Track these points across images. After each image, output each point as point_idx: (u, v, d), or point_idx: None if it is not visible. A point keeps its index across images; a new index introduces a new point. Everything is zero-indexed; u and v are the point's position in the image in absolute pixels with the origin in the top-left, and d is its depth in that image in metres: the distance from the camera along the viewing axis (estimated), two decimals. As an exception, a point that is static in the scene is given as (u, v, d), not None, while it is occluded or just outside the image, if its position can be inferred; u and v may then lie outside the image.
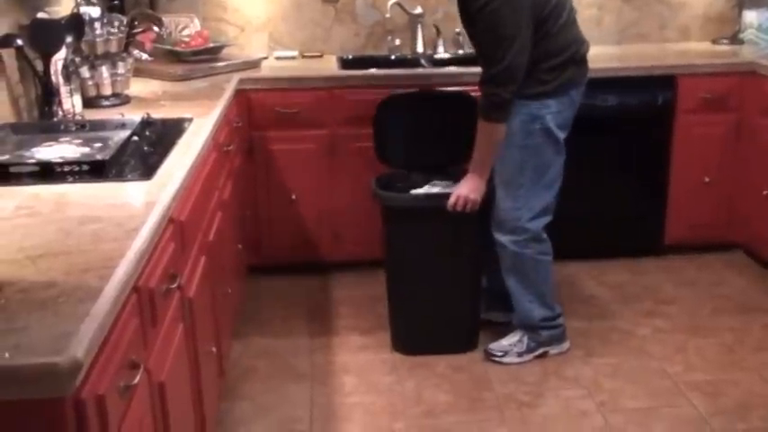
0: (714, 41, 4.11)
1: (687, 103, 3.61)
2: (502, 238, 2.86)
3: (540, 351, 2.99)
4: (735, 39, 4.05)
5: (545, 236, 2.89)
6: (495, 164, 2.81)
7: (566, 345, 3.04)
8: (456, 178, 2.94)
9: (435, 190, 2.96)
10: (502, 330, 3.06)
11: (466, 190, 2.80)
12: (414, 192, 2.96)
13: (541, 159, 2.78)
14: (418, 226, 2.90)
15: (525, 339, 2.97)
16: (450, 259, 2.93)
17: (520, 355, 2.96)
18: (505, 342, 2.99)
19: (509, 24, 2.57)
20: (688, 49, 4.03)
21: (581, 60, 2.81)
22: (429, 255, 2.92)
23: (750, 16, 4.04)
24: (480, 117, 2.72)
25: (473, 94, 3.06)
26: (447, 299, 2.97)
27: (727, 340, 3.12)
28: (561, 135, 2.79)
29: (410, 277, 2.97)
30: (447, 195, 2.85)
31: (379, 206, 2.96)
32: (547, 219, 2.87)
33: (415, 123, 3.09)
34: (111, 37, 2.94)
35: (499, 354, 2.96)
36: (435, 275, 2.94)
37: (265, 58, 3.77)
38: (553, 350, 3.01)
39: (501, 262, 2.92)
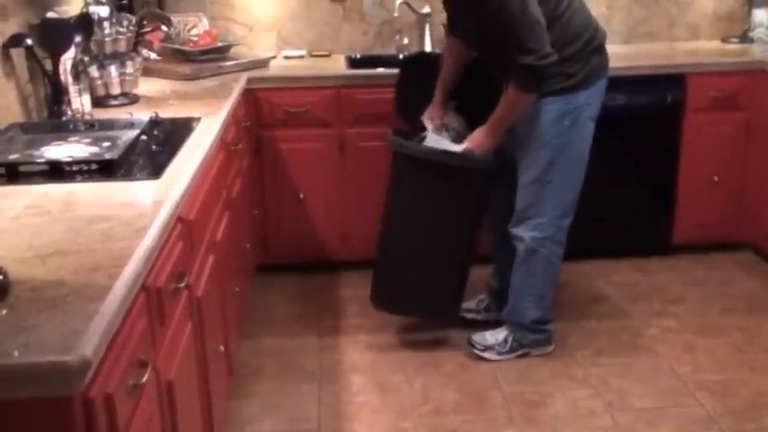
0: (723, 40, 4.10)
1: (696, 101, 3.59)
2: (523, 233, 2.85)
3: (521, 352, 2.98)
4: (744, 37, 4.04)
5: (564, 239, 2.89)
6: (523, 161, 2.80)
7: (549, 348, 3.03)
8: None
9: (445, 142, 2.91)
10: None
11: (473, 145, 2.80)
12: (426, 142, 2.90)
13: (571, 156, 2.78)
14: (422, 178, 2.86)
15: (509, 339, 2.96)
16: (446, 220, 2.89)
17: (500, 354, 2.96)
18: (490, 338, 2.98)
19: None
20: (697, 47, 4.02)
21: (601, 47, 2.81)
22: (427, 211, 2.88)
23: (760, 15, 4.02)
24: (514, 86, 2.66)
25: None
26: (433, 260, 2.94)
27: (737, 340, 3.11)
28: (591, 127, 2.80)
29: (403, 231, 2.94)
30: (454, 153, 2.81)
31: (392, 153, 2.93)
32: (570, 218, 2.87)
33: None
34: (120, 36, 2.94)
35: (480, 347, 2.96)
36: (427, 234, 2.90)
37: (273, 57, 3.77)
38: (535, 352, 3.00)
39: (516, 257, 2.90)
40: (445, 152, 2.83)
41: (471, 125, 2.92)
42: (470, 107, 2.97)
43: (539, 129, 2.74)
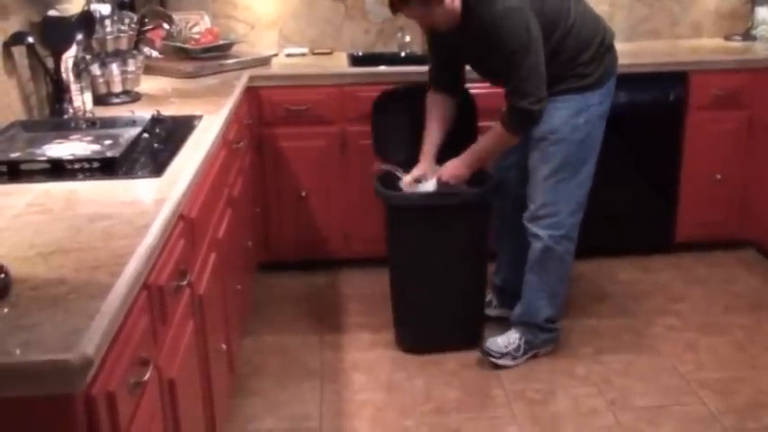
0: (726, 38, 4.09)
1: (699, 99, 3.59)
2: (540, 231, 2.84)
3: (532, 353, 2.98)
4: (747, 35, 4.03)
5: (576, 236, 2.89)
6: (536, 158, 2.81)
7: (553, 346, 3.03)
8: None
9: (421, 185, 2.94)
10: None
11: (448, 176, 2.83)
12: (419, 188, 2.94)
13: (583, 153, 2.80)
14: (421, 224, 2.89)
15: (522, 343, 2.95)
16: (453, 257, 2.92)
17: (514, 358, 2.94)
18: (502, 342, 2.95)
19: (516, 35, 2.56)
20: (700, 45, 4.01)
21: (611, 46, 2.83)
22: (432, 252, 2.91)
23: (762, 12, 4.02)
24: (504, 127, 2.72)
25: (474, 90, 3.10)
26: (451, 297, 2.97)
27: (739, 338, 3.11)
28: (602, 125, 2.83)
29: (413, 275, 2.96)
30: (450, 194, 2.86)
31: (383, 204, 2.96)
32: (582, 214, 2.88)
33: (413, 119, 3.05)
34: (122, 34, 2.94)
35: (497, 355, 2.93)
36: (438, 274, 2.93)
37: (275, 55, 3.77)
38: (542, 352, 3.00)
39: (530, 255, 2.90)
40: (442, 194, 2.86)
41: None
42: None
43: (554, 125, 2.75)
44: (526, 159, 2.86)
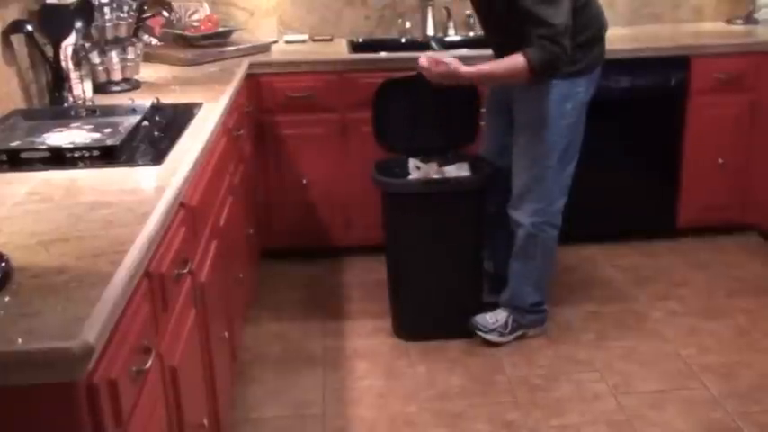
0: (728, 21, 4.07)
1: (700, 84, 3.57)
2: (523, 218, 2.86)
3: (520, 332, 3.01)
4: (749, 18, 4.01)
5: (560, 221, 2.90)
6: (522, 143, 2.81)
7: (544, 326, 3.06)
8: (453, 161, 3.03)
9: (427, 171, 2.97)
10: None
11: (448, 63, 2.69)
12: (412, 177, 2.97)
13: (570, 139, 2.80)
14: (419, 211, 2.90)
15: (510, 321, 2.98)
16: (451, 244, 2.93)
17: (501, 335, 2.98)
18: (490, 319, 2.99)
19: None
20: (702, 29, 3.99)
21: (603, 37, 2.83)
22: (429, 240, 2.92)
23: (765, -4, 4.00)
24: (529, 64, 2.55)
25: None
26: (448, 284, 2.98)
27: (741, 322, 3.11)
28: (585, 112, 2.83)
29: (411, 262, 2.97)
30: (447, 181, 2.89)
31: (380, 191, 2.96)
32: (565, 200, 2.88)
33: (414, 107, 3.06)
34: (121, 22, 2.93)
35: (484, 329, 2.97)
36: (435, 261, 2.94)
37: (275, 42, 3.76)
38: (532, 332, 3.03)
39: (515, 242, 2.92)
40: (439, 181, 2.89)
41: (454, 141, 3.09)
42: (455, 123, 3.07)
43: (542, 111, 2.75)
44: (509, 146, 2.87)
